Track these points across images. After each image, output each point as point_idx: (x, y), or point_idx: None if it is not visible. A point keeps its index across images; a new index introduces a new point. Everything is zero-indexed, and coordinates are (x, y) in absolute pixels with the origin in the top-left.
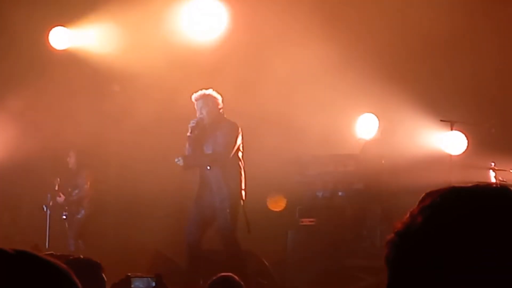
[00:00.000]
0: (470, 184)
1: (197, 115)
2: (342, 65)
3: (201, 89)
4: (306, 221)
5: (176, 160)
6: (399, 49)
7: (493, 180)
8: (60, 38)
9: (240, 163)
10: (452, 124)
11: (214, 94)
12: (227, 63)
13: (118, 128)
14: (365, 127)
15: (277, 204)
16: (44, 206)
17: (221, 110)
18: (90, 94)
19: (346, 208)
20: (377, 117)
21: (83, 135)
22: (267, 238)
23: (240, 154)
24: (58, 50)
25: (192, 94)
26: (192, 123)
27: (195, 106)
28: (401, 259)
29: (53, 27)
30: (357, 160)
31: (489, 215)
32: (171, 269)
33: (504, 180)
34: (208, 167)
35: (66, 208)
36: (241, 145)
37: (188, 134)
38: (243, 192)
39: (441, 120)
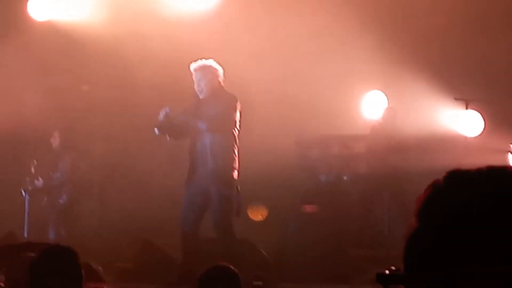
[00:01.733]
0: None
1: (195, 87)
2: (349, 40)
3: (200, 59)
4: (308, 208)
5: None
6: (410, 23)
7: None
8: (41, 8)
9: (235, 141)
10: (467, 102)
11: (214, 65)
12: (225, 34)
13: (106, 106)
14: (373, 105)
15: (258, 214)
16: (22, 191)
17: (221, 83)
18: (75, 70)
19: (352, 194)
20: (386, 95)
21: (67, 114)
22: (265, 226)
23: (236, 132)
24: (38, 21)
25: (188, 64)
26: (160, 117)
27: (193, 77)
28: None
29: None
30: (364, 142)
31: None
32: (163, 261)
33: None
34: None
35: (47, 193)
36: (238, 123)
37: (156, 131)
38: (235, 172)
39: (455, 99)
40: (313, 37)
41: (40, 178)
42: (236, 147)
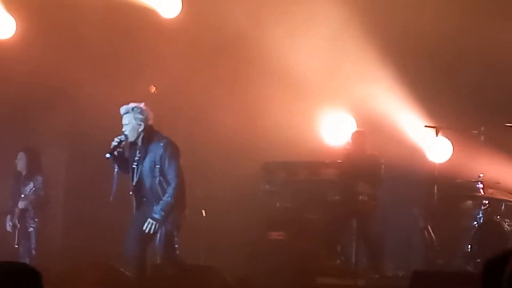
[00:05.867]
0: None
1: (123, 130)
2: (314, 57)
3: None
4: (274, 235)
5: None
6: (382, 41)
7: (481, 192)
8: None
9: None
10: (437, 130)
11: (142, 108)
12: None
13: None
14: (339, 129)
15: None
16: None
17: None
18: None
19: (319, 221)
20: (355, 120)
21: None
22: (230, 253)
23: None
24: None
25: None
26: (114, 142)
27: (122, 120)
28: None
29: None
30: (332, 169)
31: None
32: (125, 284)
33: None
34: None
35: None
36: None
37: (107, 155)
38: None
39: (425, 126)
40: (278, 55)
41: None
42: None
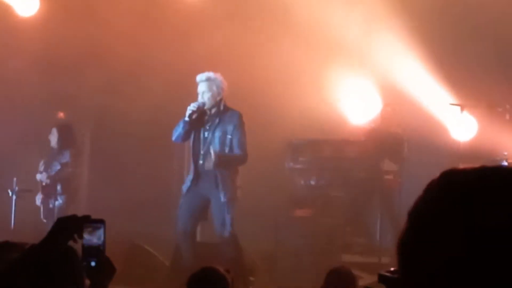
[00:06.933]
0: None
1: (198, 98)
2: (339, 34)
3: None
4: (299, 213)
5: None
6: (408, 21)
7: None
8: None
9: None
10: (462, 107)
11: (220, 78)
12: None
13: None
14: (363, 106)
15: None
16: (9, 191)
17: (223, 97)
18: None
19: (343, 199)
20: (380, 96)
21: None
22: (255, 231)
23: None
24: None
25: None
26: (192, 107)
27: (198, 89)
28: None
29: None
30: (357, 146)
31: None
32: (151, 265)
33: None
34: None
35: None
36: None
37: (186, 118)
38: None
39: (450, 104)
40: (301, 38)
41: (43, 172)
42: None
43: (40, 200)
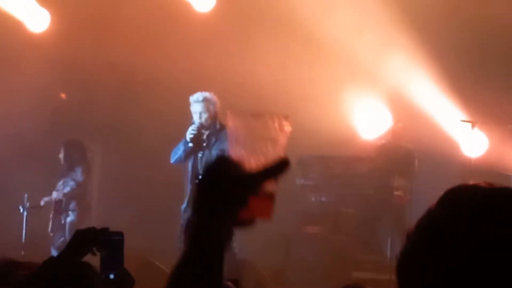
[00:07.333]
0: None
1: (194, 118)
2: (351, 51)
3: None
4: (309, 229)
5: None
6: (419, 36)
7: None
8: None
9: None
10: (473, 124)
11: (214, 97)
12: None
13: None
14: (374, 123)
15: None
16: (20, 207)
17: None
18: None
19: (354, 215)
20: (390, 112)
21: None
22: (265, 247)
23: None
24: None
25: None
26: (193, 131)
27: (192, 108)
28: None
29: None
30: (367, 163)
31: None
32: (163, 281)
33: None
34: None
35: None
36: None
37: (188, 142)
38: None
39: (461, 120)
40: (314, 55)
41: (57, 190)
42: None
43: (51, 214)
